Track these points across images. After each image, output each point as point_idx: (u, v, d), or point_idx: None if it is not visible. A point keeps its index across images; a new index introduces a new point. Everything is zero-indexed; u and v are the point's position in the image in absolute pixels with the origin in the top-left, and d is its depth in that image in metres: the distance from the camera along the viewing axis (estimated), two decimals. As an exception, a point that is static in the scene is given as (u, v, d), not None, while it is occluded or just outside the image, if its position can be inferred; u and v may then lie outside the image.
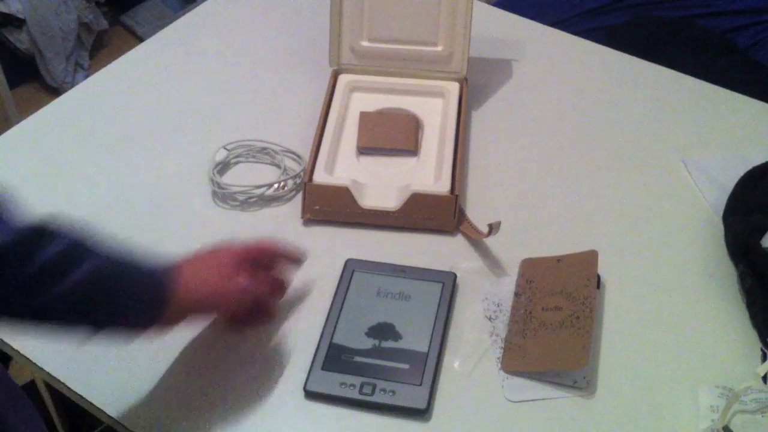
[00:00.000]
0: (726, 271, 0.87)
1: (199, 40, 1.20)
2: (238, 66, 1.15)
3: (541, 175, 0.99)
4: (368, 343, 0.78)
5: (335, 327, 0.79)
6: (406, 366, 0.76)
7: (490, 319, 0.82)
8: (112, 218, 0.92)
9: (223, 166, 0.98)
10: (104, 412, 0.75)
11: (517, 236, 0.90)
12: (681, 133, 1.04)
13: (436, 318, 0.80)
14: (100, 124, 1.05)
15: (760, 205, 0.89)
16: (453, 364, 0.78)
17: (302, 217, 0.92)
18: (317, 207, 0.91)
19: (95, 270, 0.63)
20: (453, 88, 1.03)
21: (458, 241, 0.90)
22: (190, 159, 0.99)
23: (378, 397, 0.74)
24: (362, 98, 1.04)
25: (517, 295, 0.83)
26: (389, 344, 0.78)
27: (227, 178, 0.97)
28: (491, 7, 1.31)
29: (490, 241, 0.88)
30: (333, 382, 0.75)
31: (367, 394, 0.74)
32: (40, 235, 0.61)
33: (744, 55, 1.58)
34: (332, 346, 0.78)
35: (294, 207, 0.94)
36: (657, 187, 0.97)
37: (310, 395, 0.75)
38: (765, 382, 0.75)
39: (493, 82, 1.12)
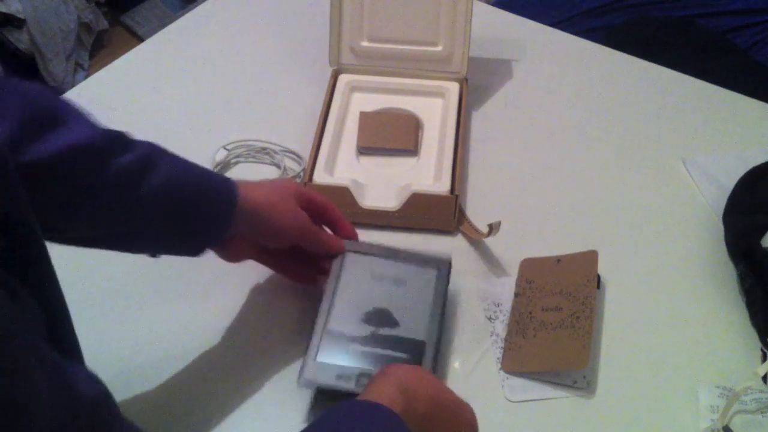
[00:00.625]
0: (726, 271, 0.87)
1: (199, 40, 1.20)
2: (238, 66, 1.15)
3: (541, 175, 0.99)
4: (365, 330, 0.73)
5: (329, 312, 0.74)
6: (404, 355, 0.72)
7: (490, 319, 0.82)
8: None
9: (223, 166, 0.98)
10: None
11: (517, 236, 0.90)
12: (681, 133, 1.04)
13: (433, 305, 0.76)
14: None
15: (760, 205, 0.89)
16: (453, 364, 0.78)
17: (302, 217, 0.92)
18: (317, 207, 0.91)
19: (169, 178, 0.66)
20: (453, 88, 1.03)
21: (458, 241, 0.90)
22: (190, 159, 0.99)
23: None
24: (362, 98, 1.04)
25: (517, 295, 0.83)
26: (386, 331, 0.73)
27: (227, 178, 0.97)
28: (491, 7, 1.31)
29: (490, 241, 0.88)
30: (329, 373, 0.70)
31: (363, 386, 0.68)
32: (119, 140, 0.65)
33: (744, 55, 1.58)
34: (328, 333, 0.73)
35: (294, 207, 0.94)
36: (657, 187, 0.97)
37: (306, 387, 0.72)
38: (765, 382, 0.75)
39: (493, 82, 1.12)
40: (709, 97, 1.10)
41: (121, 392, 0.76)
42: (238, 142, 1.00)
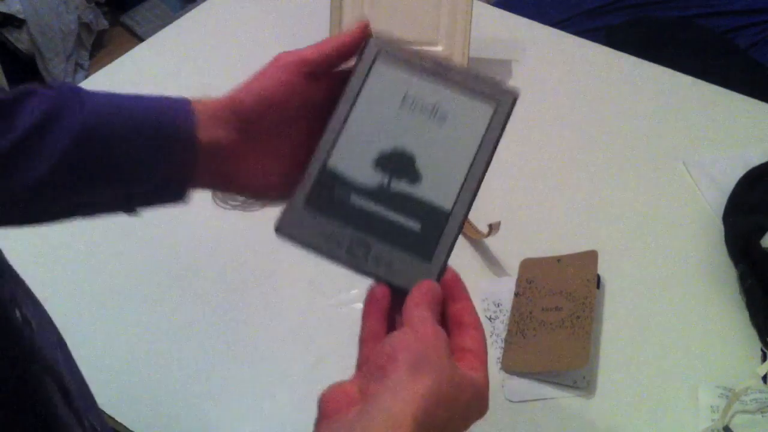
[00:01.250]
0: (726, 271, 0.87)
1: (199, 40, 1.20)
2: (238, 66, 1.15)
3: (541, 175, 0.99)
4: (373, 178, 0.53)
5: (334, 143, 0.54)
6: (416, 225, 0.53)
7: (490, 319, 0.82)
8: (111, 218, 0.92)
9: (223, 166, 0.98)
10: (105, 413, 0.75)
11: (517, 236, 0.90)
12: (681, 133, 1.04)
13: (474, 159, 0.54)
14: (100, 124, 1.05)
15: (760, 205, 0.89)
16: (453, 364, 0.78)
17: (302, 217, 0.92)
18: (317, 207, 0.90)
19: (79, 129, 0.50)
20: (453, 88, 1.03)
21: (458, 241, 0.90)
22: (190, 159, 0.99)
23: (369, 266, 0.52)
24: (362, 98, 1.04)
25: (517, 295, 0.83)
26: (401, 186, 0.53)
27: (227, 178, 0.97)
28: (491, 7, 1.31)
29: (490, 241, 0.88)
30: (315, 229, 0.52)
31: (356, 257, 0.52)
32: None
33: (744, 55, 1.58)
34: (324, 173, 0.53)
35: (294, 207, 0.94)
36: (657, 187, 0.97)
37: (283, 238, 0.53)
38: (765, 382, 0.75)
39: (493, 82, 1.12)
40: (709, 97, 1.10)
41: (121, 392, 0.76)
42: (238, 142, 1.00)
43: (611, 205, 0.95)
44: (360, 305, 0.48)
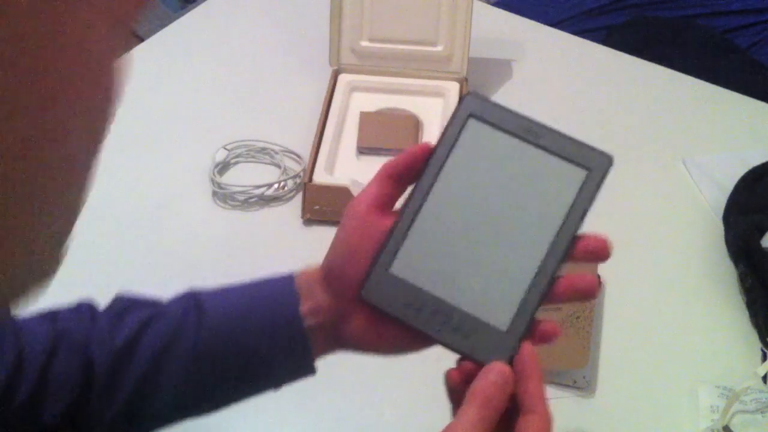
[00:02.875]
0: (726, 271, 0.87)
1: (199, 40, 1.20)
2: (238, 66, 1.15)
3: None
4: (458, 245, 0.51)
5: (419, 207, 0.52)
6: (498, 296, 0.51)
7: (490, 319, 0.82)
8: (112, 218, 0.92)
9: (223, 166, 0.98)
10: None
11: (517, 236, 0.90)
12: (681, 133, 1.04)
13: (561, 227, 0.52)
14: (100, 124, 1.05)
15: (760, 205, 0.89)
16: (453, 364, 0.78)
17: (302, 217, 0.92)
18: (317, 207, 0.91)
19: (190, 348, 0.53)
20: (453, 88, 1.03)
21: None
22: (190, 159, 0.99)
23: (447, 336, 0.50)
24: (362, 98, 1.04)
25: (517, 295, 0.83)
26: (485, 254, 0.51)
27: (227, 178, 0.97)
28: (491, 7, 1.31)
29: (490, 241, 0.88)
30: (398, 295, 0.51)
31: (435, 325, 0.51)
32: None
33: (744, 55, 1.58)
34: (411, 238, 0.51)
35: (294, 207, 0.94)
36: (657, 187, 0.97)
37: (366, 301, 0.52)
38: (765, 382, 0.75)
39: (493, 82, 1.12)
40: (709, 97, 1.10)
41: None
42: (238, 142, 1.00)
43: (611, 205, 0.95)
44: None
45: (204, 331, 0.54)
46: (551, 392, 0.75)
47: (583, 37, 1.22)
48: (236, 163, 1.00)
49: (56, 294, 0.88)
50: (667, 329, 0.82)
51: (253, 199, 0.95)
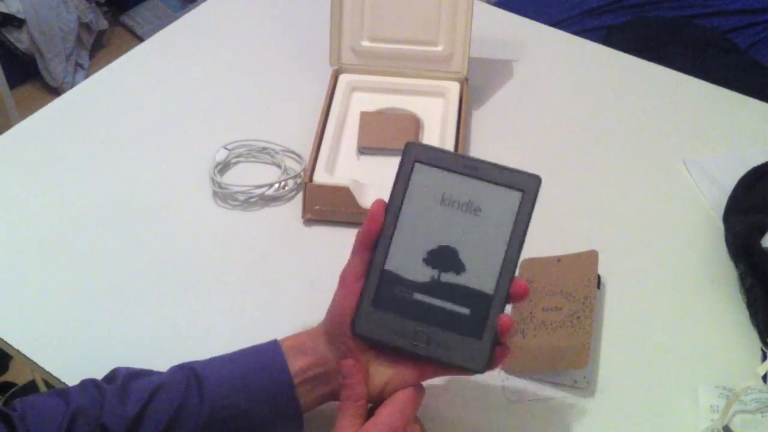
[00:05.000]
0: (726, 271, 0.87)
1: (199, 40, 1.20)
2: (238, 66, 1.15)
3: (541, 175, 0.99)
4: (426, 274, 0.61)
5: (388, 247, 0.61)
6: (466, 311, 0.60)
7: (490, 319, 0.82)
8: (112, 219, 0.92)
9: (223, 166, 0.98)
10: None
11: (517, 236, 0.90)
12: (681, 133, 1.04)
13: (508, 245, 0.60)
14: (100, 124, 1.05)
15: (760, 205, 0.89)
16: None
17: (302, 217, 0.92)
18: (317, 207, 0.91)
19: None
20: (453, 88, 1.03)
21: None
22: (191, 159, 0.99)
23: (432, 351, 0.61)
24: (362, 98, 1.04)
25: (517, 295, 0.83)
26: (449, 278, 0.61)
27: (227, 178, 0.97)
28: (491, 7, 1.31)
29: (491, 241, 0.88)
30: (385, 326, 0.61)
31: (420, 346, 0.61)
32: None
33: (744, 55, 1.58)
34: (385, 276, 0.61)
35: (294, 207, 0.94)
36: (657, 187, 0.97)
37: (359, 337, 0.62)
38: (765, 382, 0.75)
39: (493, 82, 1.12)
40: (709, 97, 1.10)
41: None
42: (238, 142, 1.00)
43: (611, 205, 0.95)
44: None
45: (206, 400, 0.62)
46: (551, 392, 0.76)
47: (583, 37, 1.22)
48: (237, 162, 1.00)
49: (56, 294, 0.88)
50: (667, 329, 0.82)
51: (253, 199, 0.95)
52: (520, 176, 0.62)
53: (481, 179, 0.62)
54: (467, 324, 0.60)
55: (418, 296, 0.61)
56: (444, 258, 0.61)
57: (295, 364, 0.64)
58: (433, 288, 0.61)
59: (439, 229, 0.61)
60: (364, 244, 0.62)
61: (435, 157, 0.62)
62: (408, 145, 0.62)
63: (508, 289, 0.60)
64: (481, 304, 0.60)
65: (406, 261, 0.61)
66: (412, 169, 0.62)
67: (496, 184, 0.62)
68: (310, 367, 0.64)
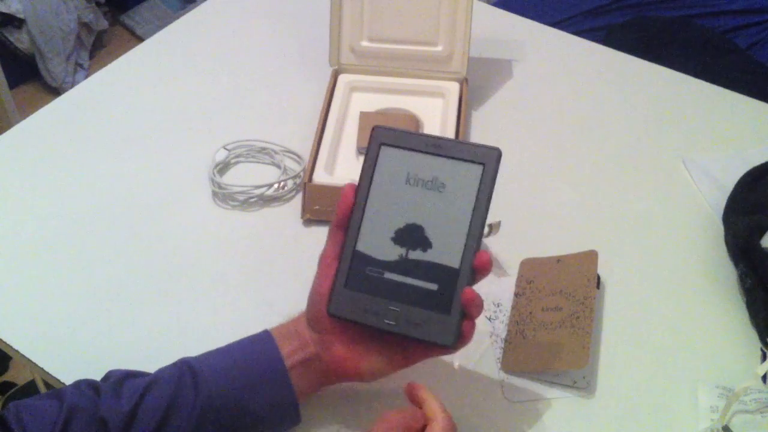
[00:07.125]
0: (726, 271, 0.87)
1: (199, 40, 1.20)
2: (237, 66, 1.15)
3: (541, 175, 0.99)
4: (394, 253, 0.63)
5: (358, 229, 0.64)
6: (434, 286, 0.62)
7: (490, 319, 0.82)
8: (112, 218, 0.92)
9: (223, 166, 0.98)
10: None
11: (517, 236, 0.90)
12: (681, 133, 1.04)
13: (471, 219, 0.62)
14: (100, 124, 1.05)
15: (760, 205, 0.89)
16: (453, 364, 0.78)
17: (302, 217, 0.92)
18: (317, 207, 0.91)
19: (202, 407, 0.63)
20: (453, 88, 1.03)
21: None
22: (190, 159, 0.99)
23: (403, 328, 0.62)
24: (362, 98, 1.04)
25: (517, 295, 0.83)
26: (417, 255, 0.62)
27: (227, 178, 0.97)
28: (491, 7, 1.31)
29: (490, 241, 0.88)
30: (357, 305, 0.63)
31: (392, 323, 0.62)
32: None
33: (744, 55, 1.58)
34: (356, 256, 0.64)
35: (294, 207, 0.94)
36: (657, 187, 0.97)
37: (335, 317, 0.65)
38: (765, 382, 0.75)
39: (493, 82, 1.12)
40: (709, 97, 1.10)
41: (121, 392, 0.76)
42: (238, 142, 1.00)
43: (611, 205, 0.95)
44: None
45: (201, 390, 0.63)
46: (551, 392, 0.76)
47: (583, 37, 1.22)
48: (236, 163, 1.00)
49: (56, 294, 0.88)
50: (666, 329, 0.82)
51: (253, 199, 0.95)
52: (480, 150, 0.63)
53: (444, 156, 0.63)
54: (436, 300, 0.62)
55: (388, 275, 0.63)
56: (411, 236, 0.63)
57: (284, 348, 0.65)
58: (402, 266, 0.62)
59: (405, 208, 0.63)
60: (338, 227, 0.64)
61: (399, 139, 0.64)
62: (374, 129, 0.65)
63: (473, 263, 0.61)
64: (449, 279, 0.62)
65: (376, 241, 0.63)
66: (378, 152, 0.64)
67: (458, 159, 0.63)
68: (296, 351, 0.66)
